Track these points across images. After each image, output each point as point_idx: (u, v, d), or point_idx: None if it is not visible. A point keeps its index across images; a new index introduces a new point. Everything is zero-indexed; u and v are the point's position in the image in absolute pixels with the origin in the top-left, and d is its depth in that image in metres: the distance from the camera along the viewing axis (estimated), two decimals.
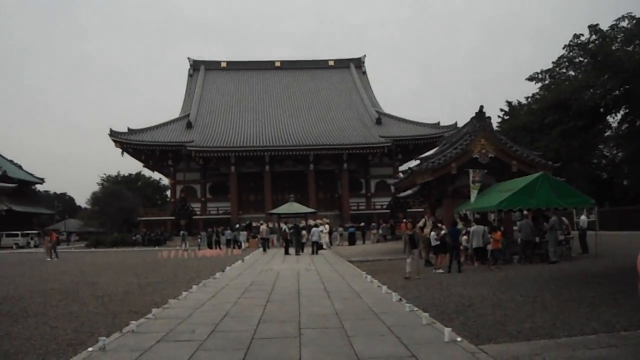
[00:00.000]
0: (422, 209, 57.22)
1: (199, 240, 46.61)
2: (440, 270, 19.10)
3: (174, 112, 71.10)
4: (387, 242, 46.11)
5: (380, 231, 49.00)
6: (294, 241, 34.25)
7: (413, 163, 73.91)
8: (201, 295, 13.77)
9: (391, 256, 27.63)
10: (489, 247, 19.66)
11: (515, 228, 24.42)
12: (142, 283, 17.46)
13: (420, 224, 22.32)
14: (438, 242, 19.85)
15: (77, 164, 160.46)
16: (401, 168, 72.41)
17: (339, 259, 27.60)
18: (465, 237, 20.89)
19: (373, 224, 51.69)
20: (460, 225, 21.62)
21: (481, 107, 27.15)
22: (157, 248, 47.78)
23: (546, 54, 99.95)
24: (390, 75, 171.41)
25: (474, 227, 19.57)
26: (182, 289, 15.02)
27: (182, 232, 49.46)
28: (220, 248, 41.15)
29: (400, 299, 11.94)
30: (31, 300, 13.82)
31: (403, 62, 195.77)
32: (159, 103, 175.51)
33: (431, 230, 20.35)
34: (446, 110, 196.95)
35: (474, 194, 23.99)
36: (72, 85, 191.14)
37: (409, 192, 49.90)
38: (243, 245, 44.51)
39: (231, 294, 14.06)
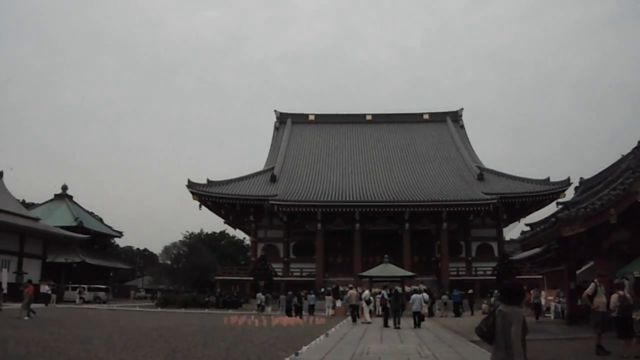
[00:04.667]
0: (539, 276, 49.53)
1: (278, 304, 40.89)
2: None
3: (260, 167, 66.25)
4: None
5: (492, 300, 41.34)
6: (391, 310, 27.63)
7: (519, 225, 66.96)
8: None
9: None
10: None
11: None
12: None
13: (589, 290, 15.25)
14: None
15: (164, 221, 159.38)
16: (505, 230, 65.15)
17: (454, 337, 20.63)
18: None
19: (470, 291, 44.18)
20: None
21: None
22: (230, 311, 42.13)
23: None
24: (480, 139, 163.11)
25: None
26: None
27: (259, 295, 43.69)
28: (301, 316, 34.80)
29: None
30: None
31: (493, 125, 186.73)
32: (249, 162, 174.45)
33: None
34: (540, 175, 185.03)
35: None
36: (168, 146, 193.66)
37: (527, 253, 42.57)
38: (328, 313, 38.27)
39: None
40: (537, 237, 22.98)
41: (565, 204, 22.25)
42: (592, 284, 15.10)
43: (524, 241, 26.28)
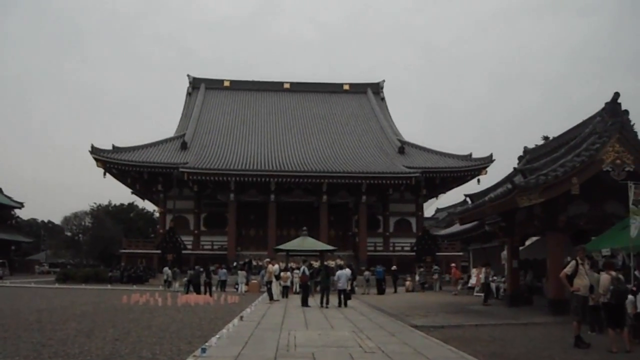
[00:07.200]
0: (460, 253, 47.99)
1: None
2: None
3: (170, 134, 61.45)
4: (426, 292, 36.59)
5: (417, 277, 39.27)
6: (320, 288, 24.83)
7: (436, 202, 65.67)
8: None
9: (460, 318, 18.06)
10: None
11: None
12: None
13: (568, 269, 12.53)
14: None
15: (74, 194, 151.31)
16: (425, 205, 63.46)
17: (389, 320, 17.82)
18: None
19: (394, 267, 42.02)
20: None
21: (616, 94, 17.97)
22: (135, 287, 38.34)
23: (554, 103, 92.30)
24: (398, 117, 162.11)
25: None
26: None
27: (165, 270, 39.95)
28: (211, 294, 31.35)
29: None
30: None
31: (410, 104, 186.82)
32: (164, 132, 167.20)
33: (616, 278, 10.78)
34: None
35: (637, 223, 14.19)
36: (78, 115, 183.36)
37: (449, 230, 40.54)
38: (241, 289, 35.12)
39: None
40: (481, 209, 20.37)
41: (521, 170, 19.64)
42: (573, 262, 12.45)
43: (464, 213, 23.72)
